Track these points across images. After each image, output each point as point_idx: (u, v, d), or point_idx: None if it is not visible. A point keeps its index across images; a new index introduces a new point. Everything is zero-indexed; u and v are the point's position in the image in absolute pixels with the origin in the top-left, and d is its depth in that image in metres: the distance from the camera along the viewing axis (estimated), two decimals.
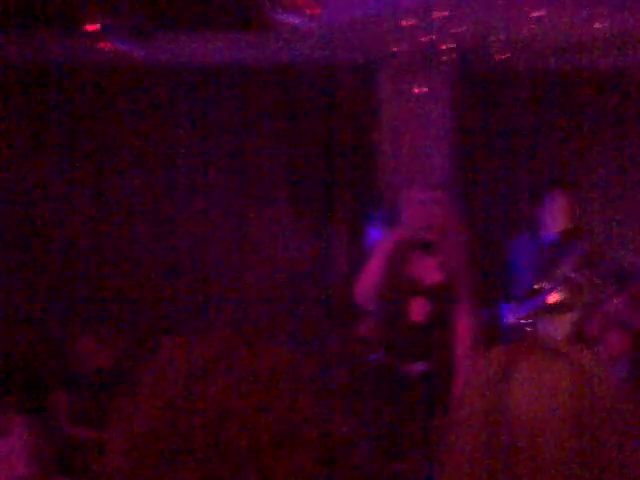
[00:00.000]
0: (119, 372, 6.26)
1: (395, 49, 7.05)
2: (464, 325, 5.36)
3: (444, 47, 6.98)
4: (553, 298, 6.20)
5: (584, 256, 6.28)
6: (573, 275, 6.19)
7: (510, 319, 6.24)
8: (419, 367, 5.25)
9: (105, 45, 5.41)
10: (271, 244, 7.49)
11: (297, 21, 6.51)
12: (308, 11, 6.44)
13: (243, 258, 7.51)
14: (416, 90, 7.17)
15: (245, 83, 7.38)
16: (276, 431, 1.17)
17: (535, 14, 6.58)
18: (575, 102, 7.68)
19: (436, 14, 6.56)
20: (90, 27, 5.15)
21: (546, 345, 1.53)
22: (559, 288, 6.19)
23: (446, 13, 6.56)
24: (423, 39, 6.82)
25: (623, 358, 6.10)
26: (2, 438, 5.30)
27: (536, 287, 6.22)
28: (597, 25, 6.65)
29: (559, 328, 6.15)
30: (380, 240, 5.86)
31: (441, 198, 5.43)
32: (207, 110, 7.40)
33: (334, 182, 7.40)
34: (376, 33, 6.87)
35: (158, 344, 1.27)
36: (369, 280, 5.35)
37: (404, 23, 6.67)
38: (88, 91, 7.06)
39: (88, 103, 7.12)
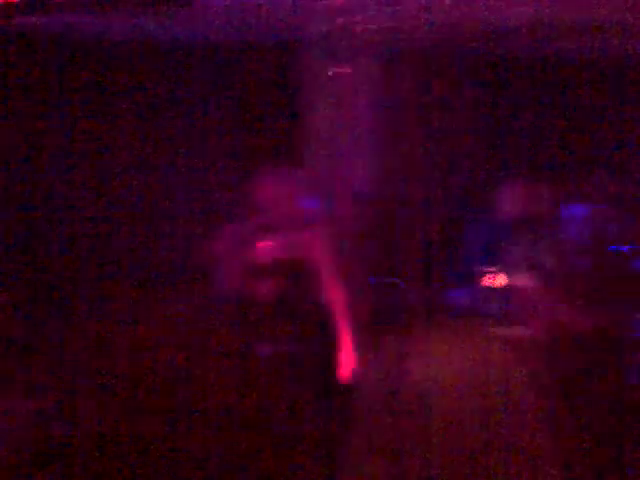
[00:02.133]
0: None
1: (317, 29, 7.00)
2: (334, 302, 5.22)
3: (364, 29, 6.94)
4: (498, 281, 6.29)
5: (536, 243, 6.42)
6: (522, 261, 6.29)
7: (456, 300, 6.30)
8: (266, 349, 5.11)
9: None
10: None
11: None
12: None
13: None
14: (336, 71, 7.09)
15: (162, 61, 7.25)
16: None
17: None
18: (511, 84, 7.71)
19: None
20: None
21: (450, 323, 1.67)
22: (506, 272, 6.29)
23: None
24: (343, 20, 6.77)
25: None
26: None
27: (483, 270, 6.30)
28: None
29: (501, 310, 6.22)
30: (230, 227, 5.76)
31: (291, 179, 5.36)
32: (123, 89, 7.26)
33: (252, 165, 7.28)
34: (296, 12, 6.80)
35: None
36: (227, 268, 5.29)
37: (323, 3, 6.62)
38: None
39: None
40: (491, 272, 6.35)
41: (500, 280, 6.28)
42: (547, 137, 7.90)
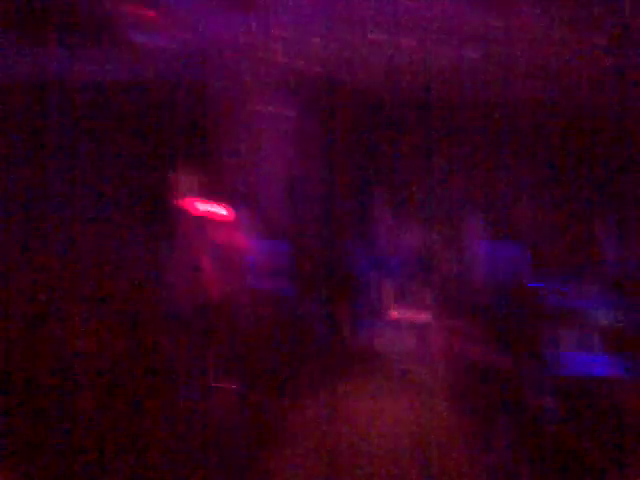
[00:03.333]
0: None
1: (240, 71, 7.09)
2: None
3: (285, 71, 7.07)
4: (396, 315, 6.42)
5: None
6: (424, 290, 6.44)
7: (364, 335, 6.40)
8: None
9: None
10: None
11: (145, 39, 6.45)
12: (158, 29, 6.39)
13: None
14: (268, 111, 7.22)
15: (91, 99, 7.21)
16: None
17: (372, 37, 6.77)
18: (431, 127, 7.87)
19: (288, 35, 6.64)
20: None
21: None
22: (403, 307, 6.41)
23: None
24: (275, 61, 6.89)
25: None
26: None
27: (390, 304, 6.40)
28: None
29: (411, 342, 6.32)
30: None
31: None
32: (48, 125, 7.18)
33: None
34: (221, 55, 6.87)
35: None
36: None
37: (254, 43, 6.72)
38: None
39: None
40: (395, 307, 6.47)
41: (404, 315, 6.38)
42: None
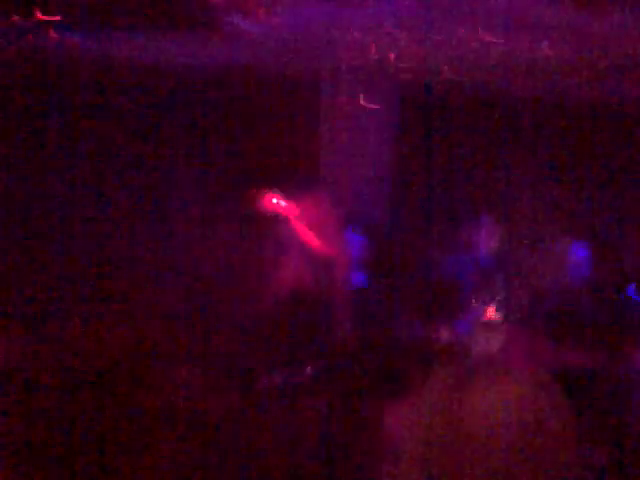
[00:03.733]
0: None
1: (343, 62, 6.96)
2: None
3: (391, 66, 6.92)
4: (488, 314, 6.20)
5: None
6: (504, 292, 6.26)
7: (446, 336, 6.24)
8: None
9: (53, 35, 5.17)
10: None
11: (247, 25, 6.35)
12: (259, 16, 6.29)
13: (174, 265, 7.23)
14: (360, 105, 7.07)
15: (187, 84, 7.17)
16: None
17: (485, 38, 6.58)
18: (517, 129, 7.72)
19: (386, 31, 6.50)
20: (43, 16, 4.91)
21: (493, 364, 1.65)
22: (493, 304, 6.20)
23: (396, 31, 6.50)
24: (371, 55, 6.74)
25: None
26: None
27: (471, 304, 6.25)
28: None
29: (493, 344, 6.17)
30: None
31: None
32: (151, 112, 7.16)
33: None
34: (325, 44, 6.76)
35: None
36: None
37: (353, 37, 6.58)
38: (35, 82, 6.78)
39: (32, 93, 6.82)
40: (482, 306, 6.31)
41: (491, 314, 6.27)
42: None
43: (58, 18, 4.87)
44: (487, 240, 6.67)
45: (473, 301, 6.30)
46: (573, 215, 7.82)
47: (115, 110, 7.13)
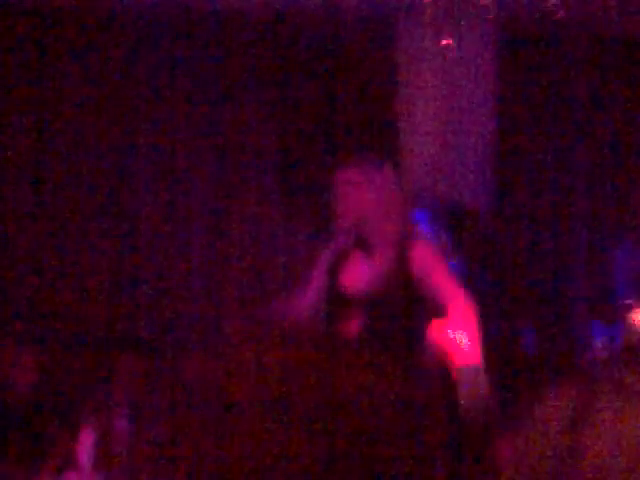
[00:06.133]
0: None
1: None
2: (444, 339, 3.65)
3: None
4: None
5: None
6: None
7: (598, 342, 5.08)
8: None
9: None
10: (257, 246, 5.93)
11: None
12: None
13: (220, 264, 5.91)
14: (445, 47, 5.59)
15: (235, 33, 5.90)
16: None
17: None
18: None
19: None
20: None
21: (631, 385, 1.28)
22: None
23: None
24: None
25: None
26: None
27: (627, 303, 5.26)
28: None
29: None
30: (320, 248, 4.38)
31: (360, 177, 3.99)
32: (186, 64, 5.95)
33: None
34: None
35: None
36: (312, 297, 4.09)
37: None
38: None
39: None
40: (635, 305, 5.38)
41: None
42: None
43: None
44: None
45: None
46: None
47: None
